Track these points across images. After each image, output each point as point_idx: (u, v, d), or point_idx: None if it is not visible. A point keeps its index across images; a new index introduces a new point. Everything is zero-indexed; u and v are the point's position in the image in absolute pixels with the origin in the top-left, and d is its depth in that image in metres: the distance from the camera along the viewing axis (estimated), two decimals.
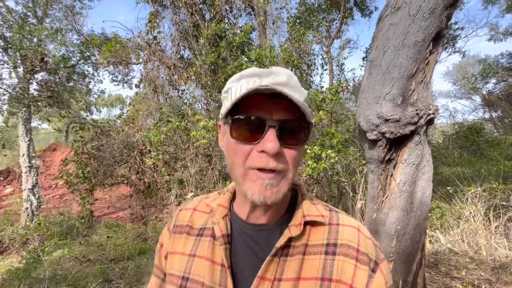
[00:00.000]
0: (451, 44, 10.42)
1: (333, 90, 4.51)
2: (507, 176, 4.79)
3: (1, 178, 11.06)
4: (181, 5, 6.32)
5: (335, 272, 0.50)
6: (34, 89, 6.92)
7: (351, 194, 4.16)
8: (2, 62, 6.46)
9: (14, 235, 5.32)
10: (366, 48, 9.66)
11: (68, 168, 6.60)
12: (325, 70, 8.93)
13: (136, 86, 6.57)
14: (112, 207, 7.81)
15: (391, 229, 1.44)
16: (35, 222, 6.10)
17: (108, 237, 5.10)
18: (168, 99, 6.34)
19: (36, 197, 6.49)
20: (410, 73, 1.38)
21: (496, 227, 3.33)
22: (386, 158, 1.47)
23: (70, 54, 7.82)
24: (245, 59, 5.49)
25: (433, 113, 1.37)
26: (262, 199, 0.49)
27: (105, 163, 6.09)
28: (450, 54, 10.71)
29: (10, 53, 6.46)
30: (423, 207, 1.44)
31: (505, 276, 2.50)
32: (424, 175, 1.44)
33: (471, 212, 3.58)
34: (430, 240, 3.46)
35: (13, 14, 6.43)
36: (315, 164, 3.70)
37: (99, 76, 9.27)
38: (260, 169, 0.49)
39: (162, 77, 6.22)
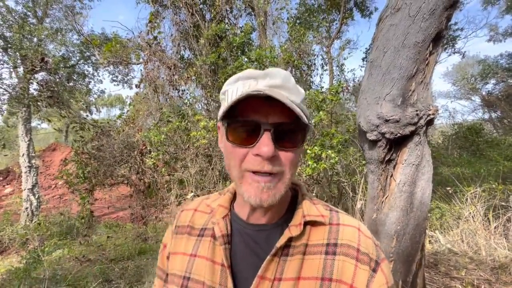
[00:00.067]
0: (451, 44, 10.44)
1: (333, 90, 4.52)
2: (507, 176, 4.81)
3: (1, 178, 11.05)
4: (181, 6, 6.32)
5: (335, 272, 0.51)
6: (34, 89, 6.93)
7: (351, 194, 4.17)
8: (2, 62, 6.47)
9: (13, 235, 5.32)
10: (366, 48, 9.68)
11: (68, 168, 6.59)
12: (325, 70, 8.93)
13: (136, 86, 6.57)
14: (112, 207, 7.80)
15: (391, 229, 1.45)
16: (34, 222, 6.10)
17: (108, 237, 5.10)
18: (168, 99, 6.34)
19: (36, 197, 6.49)
20: (410, 73, 1.38)
21: (495, 228, 3.33)
22: (386, 158, 1.47)
23: (70, 54, 7.84)
24: (246, 59, 5.50)
25: (433, 114, 1.37)
26: (259, 201, 0.50)
27: (105, 163, 6.09)
28: (449, 55, 10.76)
29: (10, 53, 6.46)
30: (423, 208, 1.45)
31: (504, 276, 2.50)
32: (424, 176, 1.44)
33: (470, 213, 3.58)
34: (429, 241, 3.46)
35: (13, 14, 6.44)
36: (315, 165, 3.70)
37: (99, 76, 9.32)
38: (256, 172, 0.50)
39: (162, 77, 6.22)
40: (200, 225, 0.63)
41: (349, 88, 8.91)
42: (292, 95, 0.51)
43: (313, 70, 7.23)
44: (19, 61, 6.44)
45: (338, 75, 9.67)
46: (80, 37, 8.26)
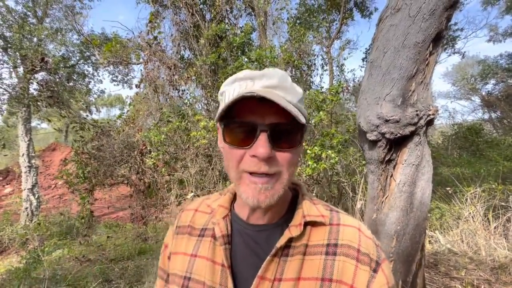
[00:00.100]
0: (451, 45, 10.46)
1: (333, 90, 4.52)
2: (506, 176, 4.81)
3: (1, 178, 11.05)
4: (181, 6, 6.32)
5: (336, 272, 0.51)
6: (34, 89, 6.94)
7: (351, 194, 4.17)
8: (2, 62, 6.47)
9: (13, 235, 5.33)
10: (366, 49, 9.67)
11: (68, 168, 6.59)
12: (325, 70, 8.93)
13: (136, 86, 6.57)
14: (112, 207, 7.80)
15: (390, 230, 1.45)
16: (34, 222, 6.10)
17: (108, 237, 5.10)
18: (168, 99, 6.34)
19: (36, 197, 6.49)
20: (410, 74, 1.39)
21: (495, 228, 3.33)
22: (386, 158, 1.47)
23: (70, 54, 7.84)
24: (246, 59, 5.50)
25: (433, 114, 1.37)
26: (256, 202, 0.50)
27: (105, 163, 6.09)
28: (449, 55, 10.78)
29: (10, 53, 6.46)
30: (423, 208, 1.45)
31: (504, 276, 2.51)
32: (424, 176, 1.44)
33: (470, 213, 3.58)
34: (429, 241, 3.46)
35: (13, 14, 6.44)
36: (315, 165, 3.70)
37: (99, 76, 9.30)
38: (253, 173, 0.50)
39: (162, 77, 6.22)
40: (200, 225, 0.63)
41: (349, 88, 8.90)
42: (288, 95, 0.51)
43: (313, 70, 7.24)
44: (19, 61, 6.44)
45: (338, 75, 9.67)
46: (80, 37, 8.26)
